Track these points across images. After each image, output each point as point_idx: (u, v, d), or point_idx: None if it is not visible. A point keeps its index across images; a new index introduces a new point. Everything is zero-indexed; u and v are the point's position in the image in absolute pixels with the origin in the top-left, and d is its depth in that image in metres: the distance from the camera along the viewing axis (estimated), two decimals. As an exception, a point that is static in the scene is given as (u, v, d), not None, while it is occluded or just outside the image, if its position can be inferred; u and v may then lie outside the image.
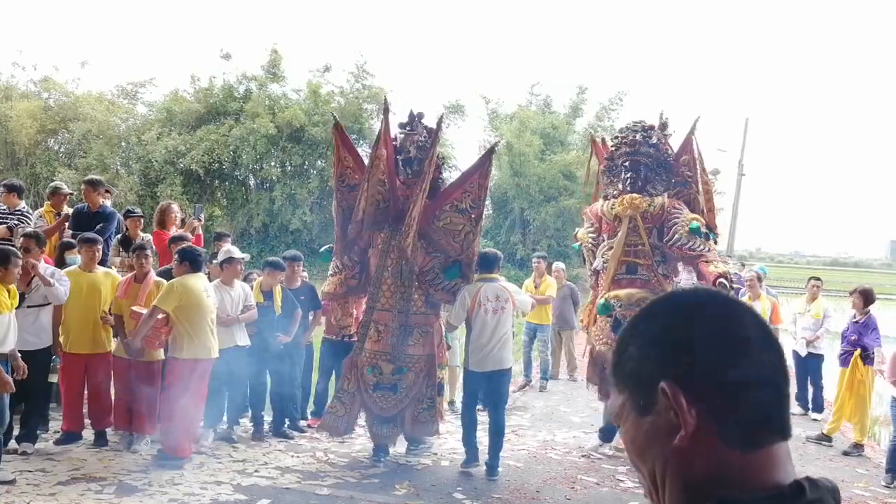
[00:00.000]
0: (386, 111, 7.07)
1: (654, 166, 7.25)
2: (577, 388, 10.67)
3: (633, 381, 0.97)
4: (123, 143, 28.01)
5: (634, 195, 7.11)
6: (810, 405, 9.65)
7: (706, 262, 6.90)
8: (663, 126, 7.49)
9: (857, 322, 8.29)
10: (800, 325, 9.62)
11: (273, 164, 28.14)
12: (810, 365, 9.49)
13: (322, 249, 7.52)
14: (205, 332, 6.38)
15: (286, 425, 7.56)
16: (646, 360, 0.95)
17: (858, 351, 8.06)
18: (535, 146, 27.06)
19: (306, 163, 27.91)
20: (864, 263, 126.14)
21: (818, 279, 10.07)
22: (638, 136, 7.29)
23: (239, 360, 7.14)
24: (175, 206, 8.82)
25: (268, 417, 7.61)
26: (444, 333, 7.07)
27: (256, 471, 6.34)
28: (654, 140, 7.32)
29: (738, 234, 35.66)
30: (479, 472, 6.62)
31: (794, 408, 9.95)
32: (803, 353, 9.43)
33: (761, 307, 9.06)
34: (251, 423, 7.56)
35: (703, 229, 7.01)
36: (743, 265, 21.39)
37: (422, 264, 6.79)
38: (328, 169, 27.57)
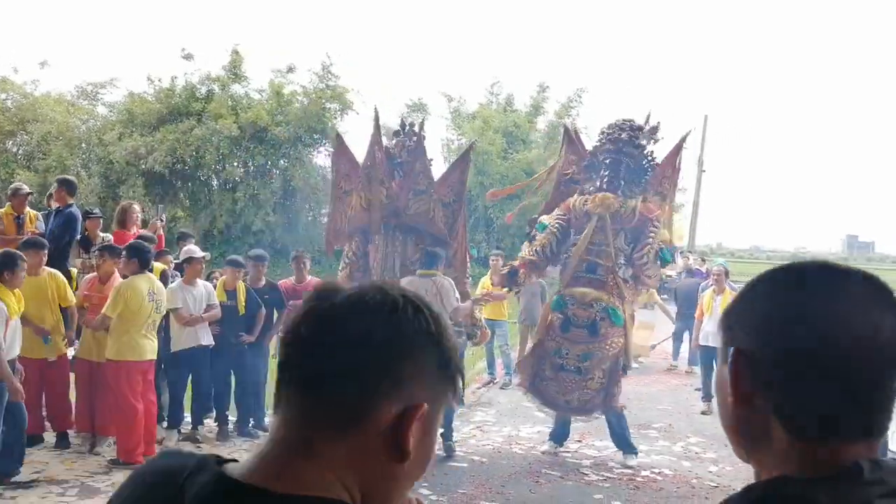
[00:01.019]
0: (377, 119, 7.55)
1: (634, 168, 7.12)
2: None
3: (724, 332, 0.98)
4: (84, 145, 27.63)
5: (608, 194, 6.95)
6: None
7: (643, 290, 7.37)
8: (653, 130, 7.33)
9: None
10: None
11: (236, 164, 27.93)
12: None
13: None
14: (135, 333, 6.29)
15: (251, 425, 7.56)
16: (737, 319, 0.97)
17: None
18: (497, 145, 27.24)
19: (269, 163, 27.74)
20: (822, 258, 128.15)
21: None
22: (624, 135, 7.13)
23: (203, 360, 7.14)
24: (136, 206, 8.73)
25: (232, 417, 7.60)
26: None
27: (221, 470, 6.33)
28: (641, 142, 7.21)
29: (698, 230, 36.13)
30: (445, 467, 6.70)
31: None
32: None
33: (723, 301, 9.14)
34: (216, 423, 7.55)
35: (668, 255, 7.17)
36: (703, 260, 21.71)
37: (411, 255, 7.25)
38: (291, 169, 27.46)
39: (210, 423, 7.66)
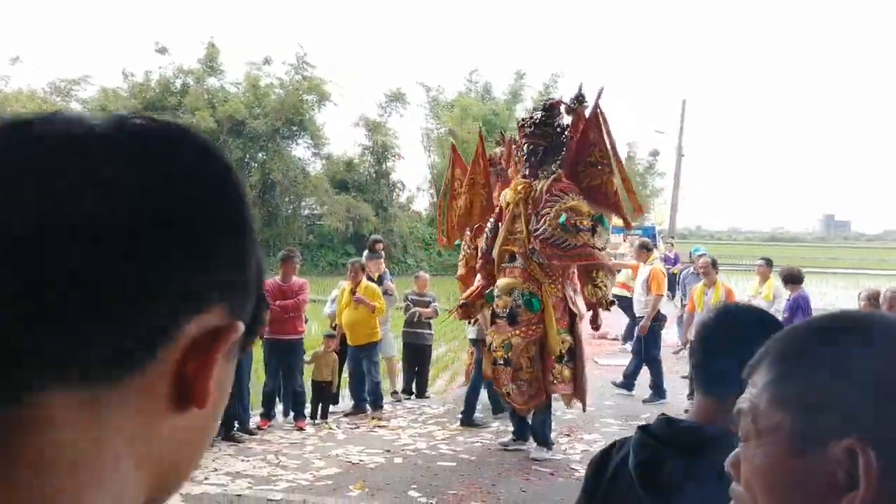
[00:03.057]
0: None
1: (552, 147, 6.94)
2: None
3: (804, 413, 0.76)
4: (56, 142, 27.29)
5: (522, 181, 6.91)
6: None
7: (586, 272, 6.93)
8: (579, 99, 7.04)
9: (788, 300, 8.53)
10: None
11: (213, 158, 27.70)
12: None
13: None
14: None
15: (235, 428, 7.44)
16: (828, 400, 0.75)
17: None
18: (477, 133, 27.16)
19: (247, 156, 27.52)
20: (800, 238, 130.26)
21: (764, 260, 10.17)
22: (538, 116, 6.98)
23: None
24: None
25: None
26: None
27: (206, 478, 6.22)
28: (557, 118, 7.02)
29: (678, 213, 36.32)
30: (434, 468, 6.63)
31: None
32: None
33: (715, 294, 8.91)
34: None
35: (575, 221, 6.62)
36: (672, 245, 21.69)
37: None
38: (269, 162, 27.26)
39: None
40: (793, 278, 8.66)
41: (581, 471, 6.65)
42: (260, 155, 27.66)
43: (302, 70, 27.84)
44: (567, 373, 6.87)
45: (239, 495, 5.82)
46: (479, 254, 7.43)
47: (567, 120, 7.11)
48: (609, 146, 6.89)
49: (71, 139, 0.50)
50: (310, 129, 28.19)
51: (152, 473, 0.53)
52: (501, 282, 6.90)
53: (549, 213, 6.60)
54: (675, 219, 35.73)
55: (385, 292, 8.77)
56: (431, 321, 9.66)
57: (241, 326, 0.54)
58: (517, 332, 6.78)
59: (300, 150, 29.37)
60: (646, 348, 9.58)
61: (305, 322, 8.50)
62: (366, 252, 9.80)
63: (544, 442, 7.08)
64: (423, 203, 33.69)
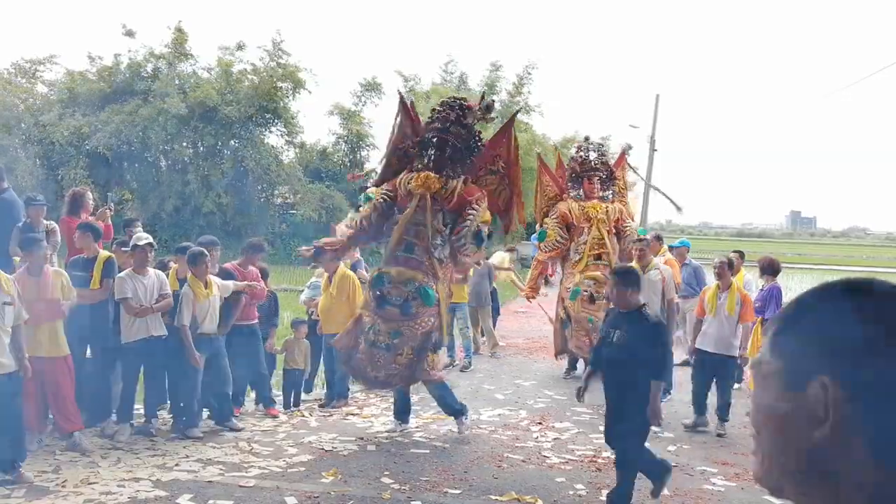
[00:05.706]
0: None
1: (461, 148, 7.09)
2: (501, 366, 10.76)
3: (791, 360, 0.93)
4: (22, 125, 26.73)
5: (430, 174, 6.96)
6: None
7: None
8: (487, 108, 7.27)
9: (761, 290, 8.57)
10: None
11: (185, 144, 27.33)
12: None
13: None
14: None
15: (207, 416, 7.36)
16: (810, 347, 0.91)
17: (759, 319, 8.29)
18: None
19: (219, 143, 27.18)
20: (768, 233, 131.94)
21: (738, 252, 10.24)
22: (452, 115, 7.10)
23: (155, 351, 6.93)
24: (89, 194, 8.45)
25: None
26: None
27: (177, 464, 6.16)
28: (469, 121, 7.15)
29: (650, 208, 36.54)
30: (407, 454, 6.62)
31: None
32: None
33: (729, 300, 7.75)
34: (170, 415, 7.35)
35: (483, 237, 7.22)
36: (660, 237, 21.68)
37: None
38: (242, 149, 26.95)
39: (164, 414, 7.46)
40: (772, 269, 8.70)
41: (553, 458, 6.71)
42: (232, 142, 27.32)
43: (277, 57, 27.58)
44: (435, 359, 7.21)
45: (210, 482, 5.77)
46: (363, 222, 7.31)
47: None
48: (512, 160, 7.43)
49: None
50: (284, 116, 27.92)
51: None
52: (395, 270, 6.88)
53: (469, 226, 6.99)
54: (647, 212, 35.98)
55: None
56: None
57: None
58: (411, 323, 6.86)
59: (273, 137, 29.10)
60: None
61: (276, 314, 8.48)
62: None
63: (458, 411, 7.33)
64: (396, 193, 33.52)
